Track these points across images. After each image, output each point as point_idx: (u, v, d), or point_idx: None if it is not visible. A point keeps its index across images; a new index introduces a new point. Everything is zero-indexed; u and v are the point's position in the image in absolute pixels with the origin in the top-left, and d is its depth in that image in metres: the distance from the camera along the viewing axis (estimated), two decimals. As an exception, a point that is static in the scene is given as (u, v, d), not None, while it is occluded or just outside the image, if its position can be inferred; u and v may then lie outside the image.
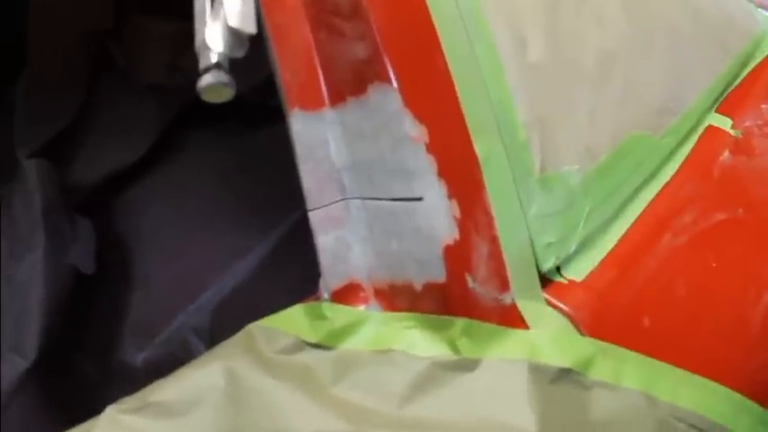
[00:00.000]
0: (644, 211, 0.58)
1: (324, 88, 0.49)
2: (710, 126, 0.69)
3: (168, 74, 0.97)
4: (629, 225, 0.56)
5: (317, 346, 0.47)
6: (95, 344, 0.96)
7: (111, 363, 0.95)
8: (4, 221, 0.93)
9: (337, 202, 0.48)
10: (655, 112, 0.64)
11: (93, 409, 0.95)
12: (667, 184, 0.61)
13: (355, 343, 0.47)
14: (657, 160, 0.62)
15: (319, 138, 0.48)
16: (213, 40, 0.43)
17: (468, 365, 0.45)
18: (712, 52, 0.75)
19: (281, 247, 0.96)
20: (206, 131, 1.03)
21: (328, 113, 0.48)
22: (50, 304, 0.88)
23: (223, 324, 0.92)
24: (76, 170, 0.99)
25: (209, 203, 1.00)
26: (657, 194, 0.60)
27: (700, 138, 0.67)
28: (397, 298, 0.48)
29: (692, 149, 0.66)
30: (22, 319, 0.87)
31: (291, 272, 0.94)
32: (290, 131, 0.49)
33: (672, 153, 0.64)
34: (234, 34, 0.43)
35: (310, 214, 0.49)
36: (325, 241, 0.48)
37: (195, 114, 1.03)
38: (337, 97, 0.48)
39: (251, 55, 0.46)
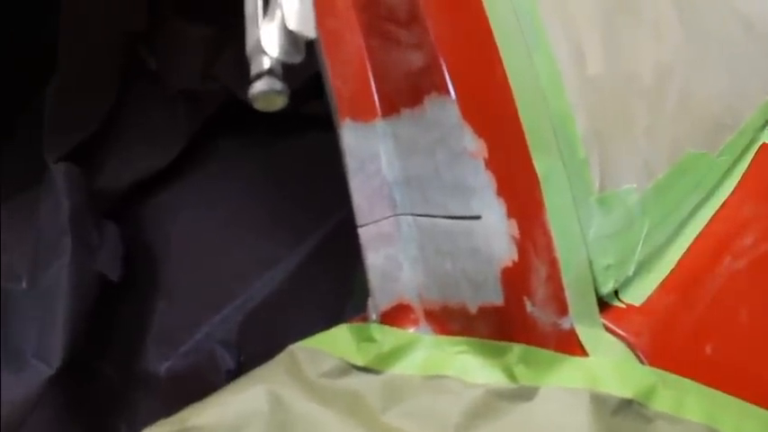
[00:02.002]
0: (702, 232, 0.55)
1: (376, 98, 0.46)
2: (765, 144, 0.67)
3: (200, 79, 0.96)
4: (687, 247, 0.54)
5: (364, 369, 0.44)
6: (119, 351, 0.94)
7: (134, 371, 0.93)
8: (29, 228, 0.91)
9: (388, 218, 0.46)
10: (711, 128, 0.61)
11: (116, 418, 0.93)
12: (724, 204, 0.58)
13: (405, 367, 0.44)
14: (714, 179, 0.59)
15: (371, 150, 0.46)
16: (269, 43, 0.40)
17: (526, 394, 0.42)
18: (765, 67, 0.73)
19: (311, 260, 0.93)
20: (236, 139, 1.01)
21: (380, 125, 0.46)
22: (76, 311, 0.85)
23: (250, 337, 0.90)
24: (104, 175, 0.97)
25: (238, 213, 0.97)
26: (715, 215, 0.57)
27: (755, 156, 0.65)
28: (449, 321, 0.45)
29: (748, 168, 0.63)
30: (46, 326, 0.85)
31: (321, 286, 0.92)
32: (340, 143, 0.47)
33: (728, 171, 0.61)
34: (291, 38, 0.40)
35: (360, 230, 0.46)
36: (374, 259, 0.46)
37: (225, 121, 1.01)
38: (390, 108, 0.46)
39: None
